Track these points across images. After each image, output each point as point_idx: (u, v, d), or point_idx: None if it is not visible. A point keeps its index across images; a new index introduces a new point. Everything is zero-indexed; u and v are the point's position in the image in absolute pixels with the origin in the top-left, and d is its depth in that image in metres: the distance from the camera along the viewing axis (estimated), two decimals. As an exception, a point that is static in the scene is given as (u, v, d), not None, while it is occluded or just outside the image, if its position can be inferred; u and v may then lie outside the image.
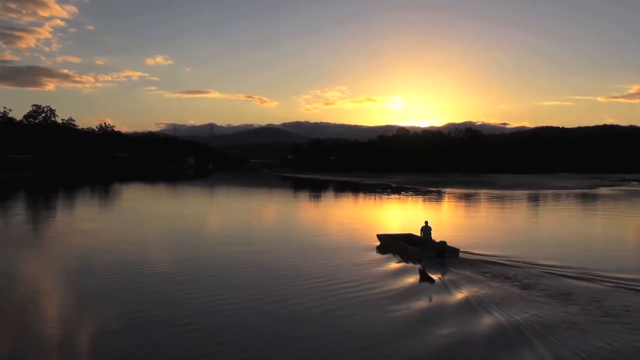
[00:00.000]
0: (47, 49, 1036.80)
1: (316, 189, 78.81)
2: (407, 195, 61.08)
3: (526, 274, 18.51)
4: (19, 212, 38.27)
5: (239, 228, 32.75)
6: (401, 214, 41.30)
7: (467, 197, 58.72)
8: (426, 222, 22.93)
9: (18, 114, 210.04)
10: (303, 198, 62.49)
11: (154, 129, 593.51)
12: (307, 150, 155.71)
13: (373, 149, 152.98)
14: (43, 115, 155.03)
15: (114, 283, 17.36)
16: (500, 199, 57.04)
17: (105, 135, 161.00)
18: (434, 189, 70.16)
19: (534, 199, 57.51)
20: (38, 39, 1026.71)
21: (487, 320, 13.50)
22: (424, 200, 54.93)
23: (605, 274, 18.50)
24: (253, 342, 12.16)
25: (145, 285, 17.02)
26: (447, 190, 69.56)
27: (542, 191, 68.75)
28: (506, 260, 20.58)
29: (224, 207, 48.61)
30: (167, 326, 13.16)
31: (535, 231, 33.34)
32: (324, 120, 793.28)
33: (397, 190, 70.22)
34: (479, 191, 67.48)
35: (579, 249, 24.97)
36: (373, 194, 64.67)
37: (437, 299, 15.69)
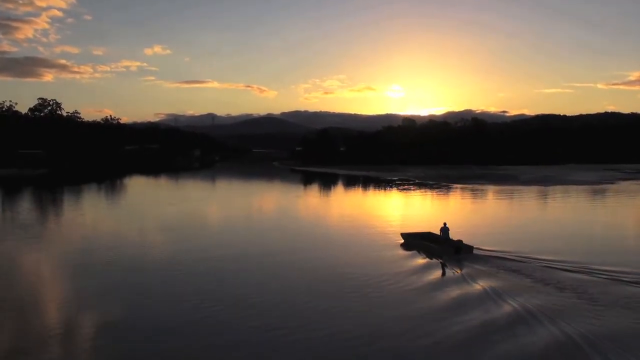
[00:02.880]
0: (44, 39, 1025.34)
1: (337, 185, 78.49)
2: (435, 192, 60.79)
3: (532, 268, 20.99)
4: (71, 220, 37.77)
5: (276, 227, 34.98)
6: (438, 214, 40.65)
7: (494, 194, 58.51)
8: (445, 224, 25.94)
9: (19, 106, 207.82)
10: (328, 196, 62.10)
11: (153, 119, 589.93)
12: (315, 142, 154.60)
13: (381, 140, 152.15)
14: (49, 108, 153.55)
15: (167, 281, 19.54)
16: (526, 195, 56.89)
17: (111, 128, 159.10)
18: (460, 185, 69.79)
19: (561, 195, 57.36)
20: (36, 30, 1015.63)
21: (504, 307, 16.02)
22: (454, 198, 54.71)
23: (602, 267, 20.94)
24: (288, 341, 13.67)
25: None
26: (473, 186, 69.28)
27: (566, 187, 68.52)
28: (515, 256, 23.05)
29: (252, 204, 48.80)
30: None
31: (553, 228, 34.57)
32: (323, 110, 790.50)
33: (421, 186, 69.92)
34: (503, 187, 67.26)
35: (590, 246, 27.55)
36: (398, 190, 64.40)
37: (460, 290, 18.17)
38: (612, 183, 75.21)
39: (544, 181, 75.99)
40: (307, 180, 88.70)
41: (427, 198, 56.31)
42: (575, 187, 67.95)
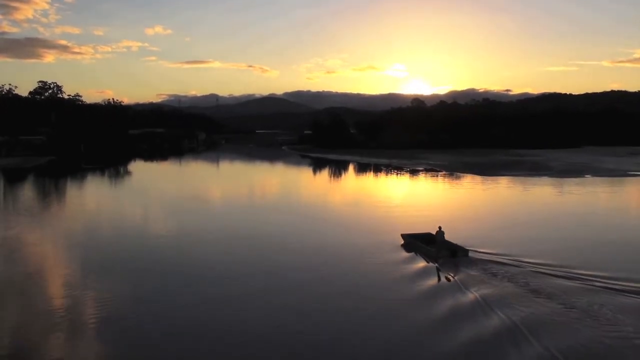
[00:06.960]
0: (44, 19, 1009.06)
1: (359, 177, 74.40)
2: (471, 186, 56.48)
3: (527, 273, 20.97)
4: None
5: (306, 223, 35.03)
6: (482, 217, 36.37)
7: (534, 189, 54.37)
8: (440, 227, 25.70)
9: (19, 87, 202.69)
10: (356, 187, 57.73)
11: (155, 100, 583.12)
12: (325, 126, 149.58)
13: (392, 123, 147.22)
14: (50, 91, 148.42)
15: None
16: (569, 189, 52.72)
17: (115, 111, 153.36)
18: (498, 178, 64.74)
19: (605, 190, 53.17)
20: (35, 10, 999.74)
21: (493, 319, 16.22)
22: (496, 194, 50.48)
23: (597, 273, 20.69)
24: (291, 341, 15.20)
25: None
26: (508, 178, 64.95)
27: (611, 179, 64.07)
28: (509, 260, 23.07)
29: (279, 196, 45.55)
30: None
31: (581, 232, 32.11)
32: (325, 89, 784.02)
33: (452, 177, 65.59)
34: (541, 180, 63.05)
35: (610, 254, 25.85)
36: (430, 183, 60.24)
37: (452, 299, 18.34)
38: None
39: (582, 171, 71.01)
40: (324, 169, 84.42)
41: (466, 194, 51.95)
42: (619, 179, 63.52)
